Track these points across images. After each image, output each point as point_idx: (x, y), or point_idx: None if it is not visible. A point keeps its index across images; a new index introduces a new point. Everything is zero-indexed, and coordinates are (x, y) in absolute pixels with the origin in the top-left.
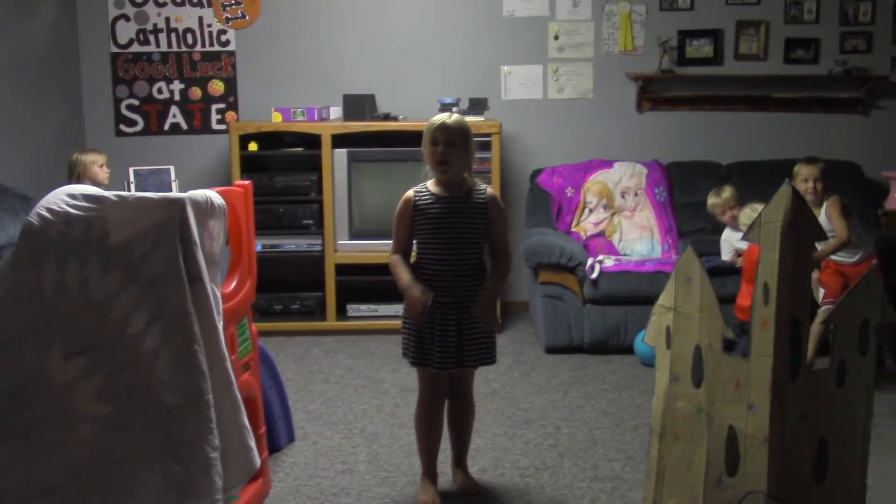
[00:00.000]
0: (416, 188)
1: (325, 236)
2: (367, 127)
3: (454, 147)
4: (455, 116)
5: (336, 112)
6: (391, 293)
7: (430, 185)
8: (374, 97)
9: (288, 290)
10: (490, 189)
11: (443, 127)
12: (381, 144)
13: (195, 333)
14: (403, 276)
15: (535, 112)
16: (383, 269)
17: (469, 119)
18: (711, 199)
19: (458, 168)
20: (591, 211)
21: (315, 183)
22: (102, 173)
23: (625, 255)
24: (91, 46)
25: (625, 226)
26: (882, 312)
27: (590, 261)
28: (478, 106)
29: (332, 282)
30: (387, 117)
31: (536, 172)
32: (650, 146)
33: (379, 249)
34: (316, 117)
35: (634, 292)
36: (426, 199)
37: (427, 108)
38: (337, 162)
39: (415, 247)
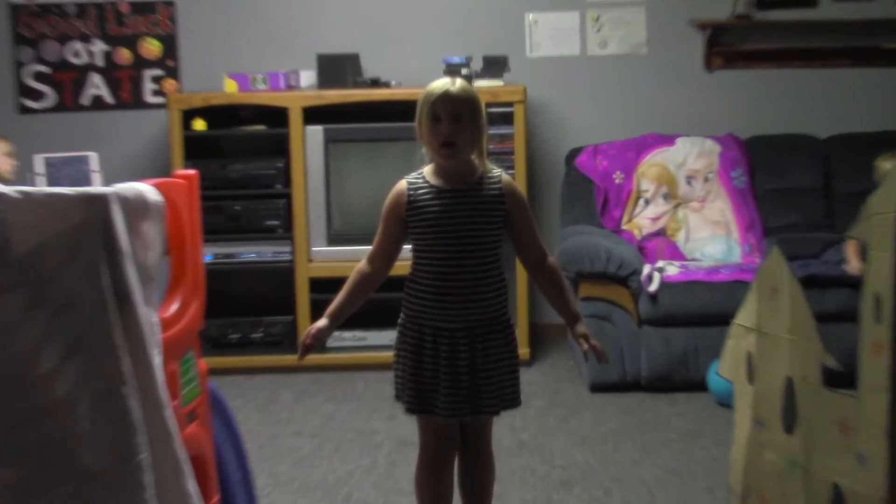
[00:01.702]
0: (409, 178)
1: (295, 242)
2: (349, 97)
3: (461, 123)
4: (460, 82)
5: (308, 78)
6: (384, 316)
7: (429, 173)
8: (357, 58)
9: (248, 313)
10: (504, 174)
11: (446, 97)
12: (368, 120)
13: (123, 373)
14: (336, 300)
15: (570, 73)
16: None
17: (483, 84)
18: (887, 164)
19: (467, 150)
20: (647, 202)
21: (281, 172)
22: (4, 164)
23: (693, 259)
24: None
25: (692, 221)
26: None
27: (647, 268)
28: (495, 67)
29: (306, 302)
30: (375, 84)
31: (574, 153)
32: (723, 116)
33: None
34: (282, 85)
35: (706, 309)
36: (424, 193)
37: (428, 71)
38: (310, 143)
39: (406, 255)
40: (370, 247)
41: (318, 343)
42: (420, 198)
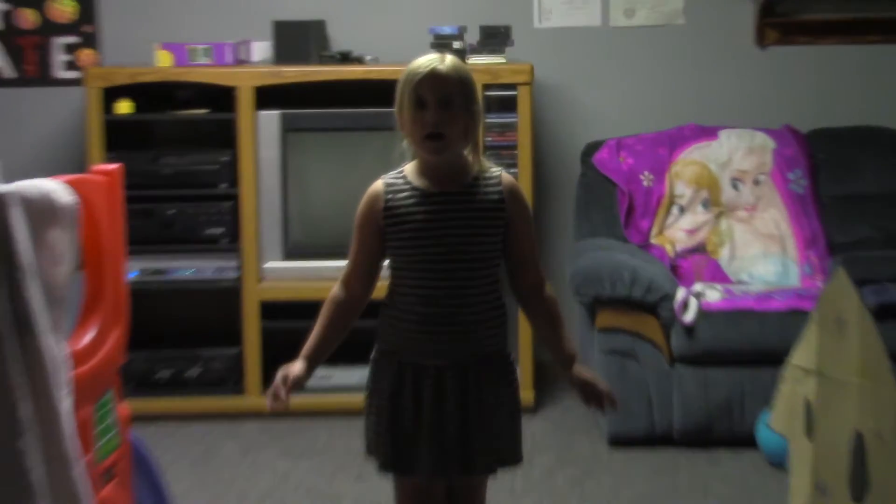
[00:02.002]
0: (387, 178)
1: (243, 256)
2: (312, 74)
3: (451, 109)
4: (451, 59)
5: (262, 51)
6: (354, 349)
7: (411, 171)
8: (323, 25)
9: (183, 344)
10: (505, 173)
11: (433, 77)
12: (336, 104)
13: (21, 421)
14: (312, 338)
15: (589, 49)
16: None
17: (480, 61)
18: None
19: (459, 144)
20: (682, 210)
21: (227, 167)
22: None
23: (739, 282)
24: None
25: (739, 234)
26: None
27: (681, 292)
28: (495, 39)
29: (256, 331)
30: (345, 58)
31: (592, 148)
32: (779, 103)
33: (332, 276)
34: (229, 59)
35: (755, 345)
36: (405, 197)
37: (411, 45)
38: (263, 132)
39: (387, 272)
40: (336, 263)
41: (296, 391)
42: (400, 203)
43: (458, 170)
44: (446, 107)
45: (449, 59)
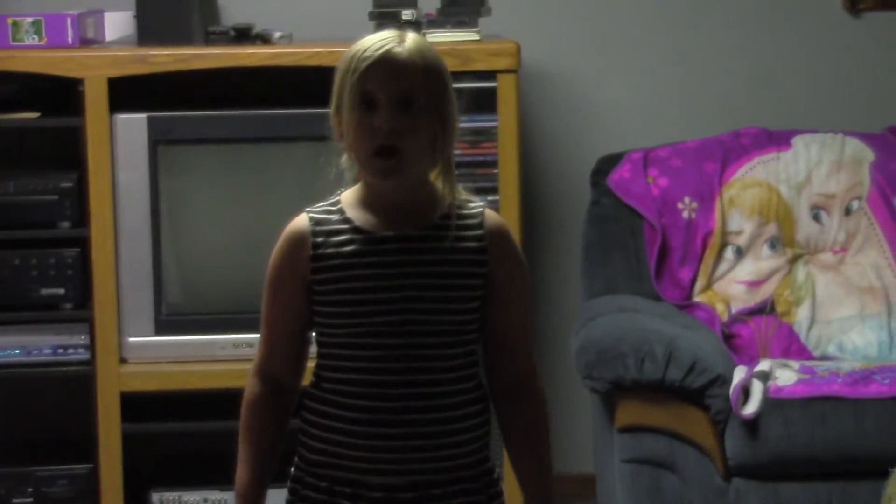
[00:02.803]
0: (315, 211)
1: (95, 327)
2: (193, 60)
3: (413, 111)
4: (413, 38)
5: (120, 25)
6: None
7: (350, 203)
8: None
9: (8, 459)
10: (489, 211)
11: (386, 63)
12: (228, 103)
13: None
14: (246, 465)
15: (601, 18)
16: (235, 399)
17: (443, 38)
18: None
19: (422, 162)
20: (740, 253)
21: (69, 197)
22: None
23: (823, 358)
24: None
25: (823, 287)
26: None
27: (739, 374)
28: (463, 7)
29: (116, 437)
30: (243, 36)
31: (607, 163)
32: (880, 95)
33: (224, 356)
34: (71, 38)
35: (846, 448)
36: (341, 241)
37: (338, 16)
38: (123, 145)
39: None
40: (231, 336)
41: None
42: (335, 250)
43: (422, 202)
44: (406, 107)
45: (410, 39)
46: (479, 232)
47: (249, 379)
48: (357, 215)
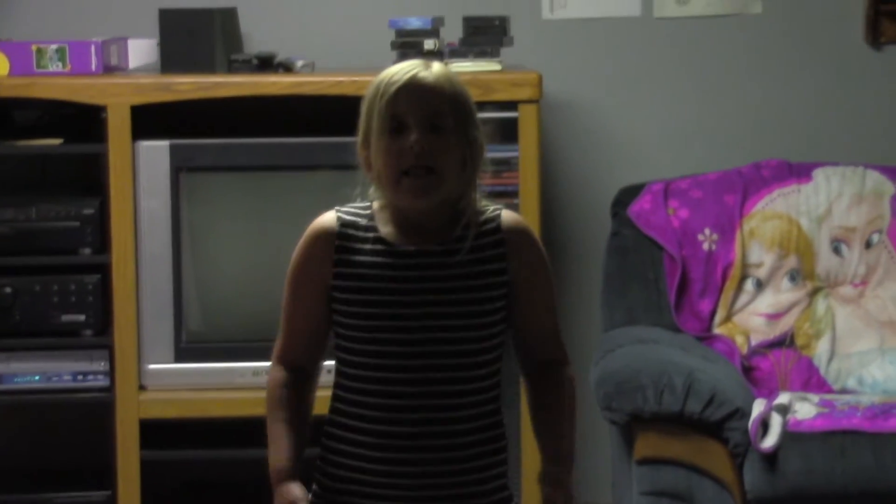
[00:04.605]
0: (345, 211)
1: (116, 354)
2: (216, 88)
3: (443, 133)
4: (438, 66)
5: (144, 52)
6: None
7: (381, 215)
8: (234, 16)
9: (24, 485)
10: (506, 212)
11: (415, 87)
12: (251, 131)
13: None
14: (279, 441)
15: (623, 50)
16: (255, 427)
17: (465, 68)
18: None
19: (453, 183)
20: (760, 285)
21: (91, 224)
22: None
23: (844, 391)
24: None
25: (843, 321)
26: None
27: (759, 406)
28: (485, 36)
29: (135, 464)
30: (266, 64)
31: (628, 194)
32: None
33: (245, 384)
34: (94, 65)
35: (867, 482)
36: (367, 247)
37: (361, 44)
38: (145, 172)
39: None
40: (252, 364)
41: None
42: (358, 255)
43: (445, 221)
44: (435, 130)
45: (437, 66)
46: (498, 235)
47: (271, 368)
48: (382, 226)
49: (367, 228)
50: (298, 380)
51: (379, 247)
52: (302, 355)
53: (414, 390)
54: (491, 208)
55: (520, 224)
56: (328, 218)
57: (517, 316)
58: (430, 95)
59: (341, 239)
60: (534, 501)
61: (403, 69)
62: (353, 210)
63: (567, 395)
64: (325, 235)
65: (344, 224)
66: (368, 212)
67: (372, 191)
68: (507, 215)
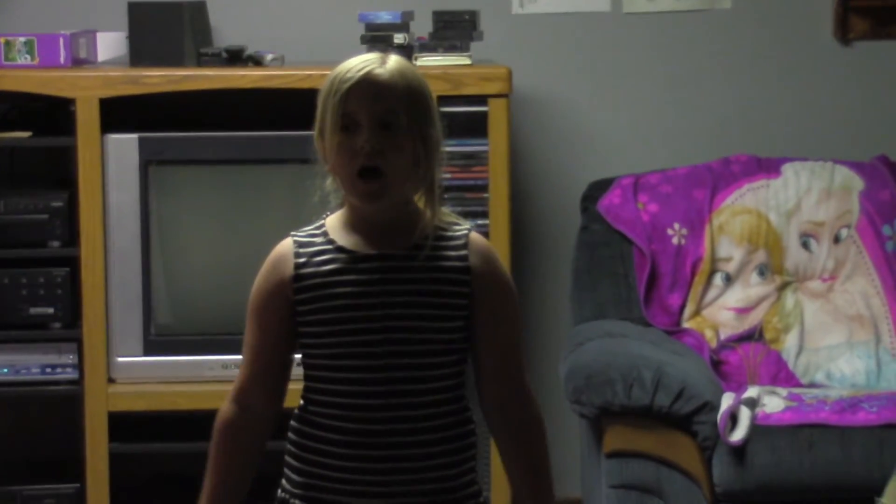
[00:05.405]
0: (300, 235)
1: (84, 347)
2: (185, 82)
3: (395, 132)
4: (395, 60)
5: (113, 46)
6: (256, 483)
7: (334, 226)
8: (203, 9)
9: (0, 477)
10: (475, 234)
11: (367, 85)
12: (220, 124)
13: None
14: (208, 491)
15: (593, 45)
16: None
17: (434, 63)
18: None
19: (405, 184)
20: (729, 280)
21: (60, 217)
22: None
23: (812, 385)
24: None
25: (811, 315)
26: None
27: (727, 400)
28: (455, 31)
29: (103, 457)
30: (235, 58)
31: (597, 189)
32: (869, 124)
33: (213, 377)
34: (63, 58)
35: (834, 476)
36: (324, 260)
37: (331, 38)
38: (114, 165)
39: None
40: (220, 357)
41: None
42: (318, 270)
43: (405, 223)
44: (387, 129)
45: (393, 61)
46: (464, 252)
47: (225, 404)
48: (341, 236)
49: (324, 242)
50: (249, 426)
51: (339, 255)
52: (261, 392)
53: (379, 393)
54: (459, 224)
55: (485, 246)
56: (284, 243)
57: (478, 339)
58: (383, 93)
59: (299, 257)
60: (502, 494)
61: (357, 65)
62: (307, 231)
63: (539, 437)
64: (282, 259)
65: (300, 245)
66: (322, 229)
67: (329, 184)
68: (474, 237)
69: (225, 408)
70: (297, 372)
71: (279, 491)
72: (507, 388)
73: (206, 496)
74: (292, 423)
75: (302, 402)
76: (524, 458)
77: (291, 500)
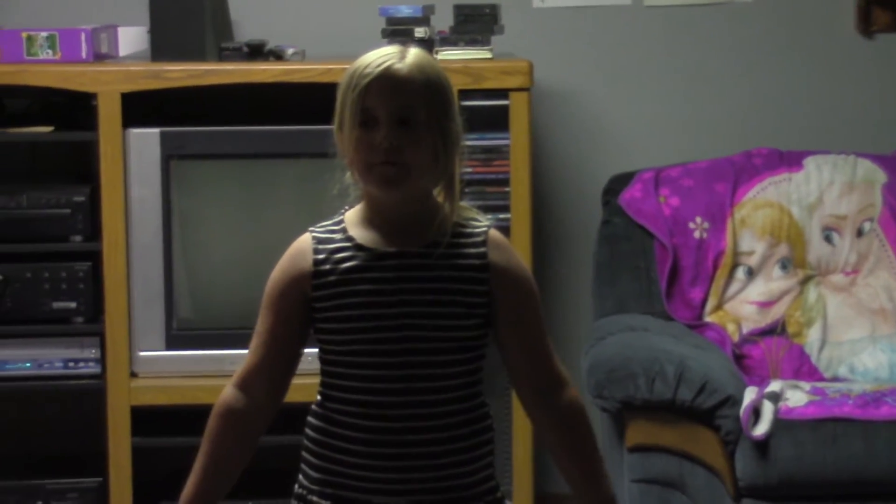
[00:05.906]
0: (318, 230)
1: (107, 341)
2: (207, 76)
3: (414, 127)
4: (414, 54)
5: (134, 40)
6: (266, 480)
7: (353, 222)
8: (225, 1)
9: (16, 472)
10: (493, 231)
11: (386, 80)
12: (241, 119)
13: None
14: (196, 477)
15: (614, 38)
16: None
17: (455, 56)
18: None
19: (424, 177)
20: (751, 273)
21: (82, 211)
22: None
23: (835, 380)
24: None
25: (834, 309)
26: None
27: (750, 394)
28: (475, 24)
29: (126, 451)
30: (256, 52)
31: (618, 183)
32: (891, 118)
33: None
34: (84, 53)
35: (857, 470)
36: (343, 257)
37: (352, 32)
38: (136, 160)
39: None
40: (241, 352)
41: None
42: (337, 266)
43: (424, 219)
44: (405, 123)
45: (412, 55)
46: (483, 250)
47: (227, 388)
48: (359, 233)
49: (343, 239)
50: (247, 415)
51: (357, 252)
52: (264, 382)
53: (396, 390)
54: (479, 220)
55: (504, 244)
56: (303, 239)
57: (503, 336)
58: (402, 89)
59: (318, 254)
60: (523, 490)
61: (376, 60)
62: (326, 227)
63: (583, 424)
64: (301, 254)
65: (319, 241)
66: (341, 225)
67: (348, 178)
68: (493, 234)
69: (226, 392)
70: (305, 367)
71: (296, 486)
72: (541, 383)
73: (193, 480)
74: (309, 418)
75: (319, 398)
76: (571, 446)
77: (309, 496)
